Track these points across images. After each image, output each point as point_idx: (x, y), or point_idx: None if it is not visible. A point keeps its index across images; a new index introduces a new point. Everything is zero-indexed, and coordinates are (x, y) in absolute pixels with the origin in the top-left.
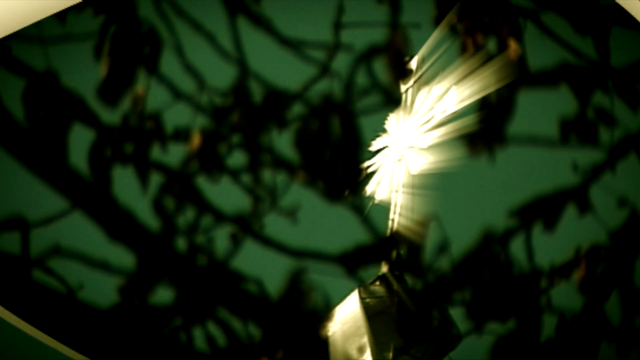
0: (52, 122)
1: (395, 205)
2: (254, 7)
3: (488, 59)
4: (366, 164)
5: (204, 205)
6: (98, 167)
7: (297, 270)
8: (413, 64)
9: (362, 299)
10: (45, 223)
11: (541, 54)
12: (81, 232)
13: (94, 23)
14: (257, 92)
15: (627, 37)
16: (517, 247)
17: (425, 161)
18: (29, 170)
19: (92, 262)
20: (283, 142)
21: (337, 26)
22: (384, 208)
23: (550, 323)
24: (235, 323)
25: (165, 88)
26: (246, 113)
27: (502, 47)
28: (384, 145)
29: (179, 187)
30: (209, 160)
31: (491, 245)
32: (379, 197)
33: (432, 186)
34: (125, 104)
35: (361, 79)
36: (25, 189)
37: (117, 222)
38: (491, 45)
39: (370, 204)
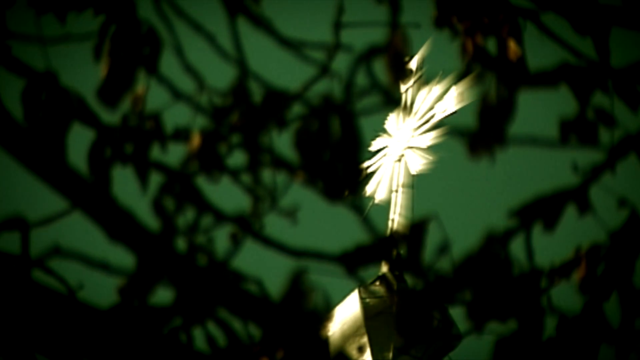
0: (52, 122)
1: (395, 205)
2: (254, 8)
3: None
4: (366, 164)
5: (204, 205)
6: (98, 167)
7: (298, 270)
8: (413, 64)
9: (362, 299)
10: (45, 223)
11: (541, 54)
12: (81, 232)
13: (94, 23)
14: (257, 92)
15: (627, 37)
16: (517, 247)
17: (425, 161)
18: (29, 170)
19: (92, 262)
20: (283, 142)
21: (337, 26)
22: (384, 208)
23: (550, 323)
24: (235, 323)
25: (165, 88)
26: (246, 113)
27: (502, 50)
28: (384, 145)
29: (179, 187)
30: (209, 160)
31: (491, 245)
32: (379, 197)
33: (431, 186)
34: (125, 104)
35: (361, 79)
36: (25, 189)
37: (117, 222)
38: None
39: (370, 204)
